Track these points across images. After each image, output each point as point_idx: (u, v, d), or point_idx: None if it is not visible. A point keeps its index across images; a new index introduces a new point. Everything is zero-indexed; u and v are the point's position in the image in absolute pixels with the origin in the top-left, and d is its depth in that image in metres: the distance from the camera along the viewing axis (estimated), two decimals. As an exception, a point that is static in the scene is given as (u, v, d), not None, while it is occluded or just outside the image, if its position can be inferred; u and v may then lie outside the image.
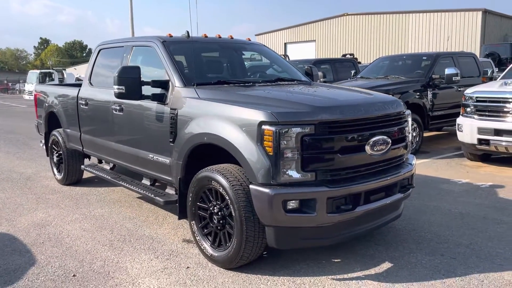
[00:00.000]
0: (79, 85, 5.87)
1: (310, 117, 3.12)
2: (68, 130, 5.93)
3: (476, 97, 7.01)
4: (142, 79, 4.01)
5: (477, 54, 20.65)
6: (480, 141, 6.85)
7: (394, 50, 30.60)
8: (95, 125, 5.30)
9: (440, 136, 10.56)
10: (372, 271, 3.43)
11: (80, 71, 45.80)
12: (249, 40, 5.46)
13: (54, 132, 6.30)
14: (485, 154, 7.35)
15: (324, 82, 7.24)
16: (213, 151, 3.59)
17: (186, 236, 4.22)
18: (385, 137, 3.43)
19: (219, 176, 3.34)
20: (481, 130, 6.81)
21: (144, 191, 4.42)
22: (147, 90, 4.04)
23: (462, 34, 28.33)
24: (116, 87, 3.96)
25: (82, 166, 5.93)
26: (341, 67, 12.40)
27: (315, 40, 36.24)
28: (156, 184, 4.63)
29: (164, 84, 4.05)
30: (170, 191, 4.27)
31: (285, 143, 3.03)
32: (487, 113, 6.84)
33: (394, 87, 7.99)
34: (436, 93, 8.58)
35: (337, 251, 3.77)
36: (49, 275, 3.47)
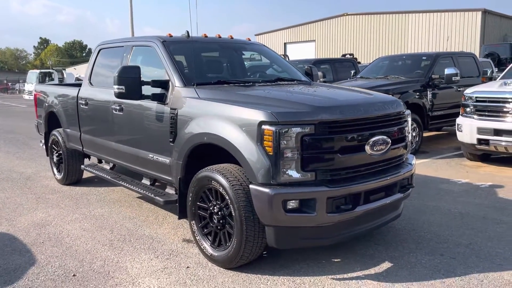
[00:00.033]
0: (79, 85, 5.88)
1: (310, 117, 3.12)
2: (68, 130, 5.93)
3: (476, 97, 7.02)
4: (142, 79, 4.02)
5: (477, 54, 20.68)
6: (480, 141, 6.86)
7: (393, 50, 30.61)
8: (95, 125, 5.30)
9: (440, 136, 10.57)
10: (372, 270, 3.44)
11: (80, 71, 45.81)
12: (249, 40, 5.47)
13: (54, 132, 6.30)
14: (484, 154, 7.35)
15: (324, 82, 7.24)
16: (213, 151, 3.59)
17: (186, 236, 4.22)
18: (385, 137, 3.43)
19: (219, 176, 3.34)
20: (480, 130, 6.82)
21: (144, 191, 4.43)
22: (147, 90, 4.04)
23: (462, 34, 28.35)
24: (116, 87, 3.96)
25: (82, 166, 5.93)
26: (341, 67, 12.40)
27: (315, 40, 36.25)
28: (156, 184, 4.63)
29: (164, 84, 4.06)
30: (170, 191, 4.27)
31: (285, 143, 3.03)
32: (486, 113, 6.85)
33: (394, 87, 8.00)
34: (436, 93, 8.59)
35: (337, 251, 3.77)
36: (49, 274, 3.47)
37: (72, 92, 5.78)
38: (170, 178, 4.07)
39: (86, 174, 6.40)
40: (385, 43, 31.80)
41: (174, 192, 4.16)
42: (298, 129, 3.05)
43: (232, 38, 5.19)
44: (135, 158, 4.53)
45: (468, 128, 7.01)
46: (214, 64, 5.06)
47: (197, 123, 3.63)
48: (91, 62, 5.62)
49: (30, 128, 12.49)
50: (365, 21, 32.99)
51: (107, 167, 5.54)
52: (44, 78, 30.02)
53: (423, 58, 9.49)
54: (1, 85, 51.15)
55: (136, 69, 4.01)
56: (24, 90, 33.25)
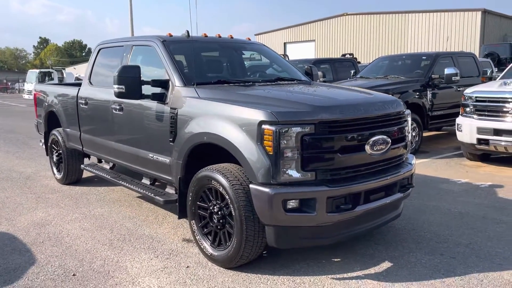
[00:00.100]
0: (79, 85, 5.88)
1: (310, 117, 3.12)
2: (67, 129, 5.92)
3: (476, 97, 7.02)
4: (142, 79, 4.02)
5: (477, 54, 20.69)
6: (480, 141, 6.86)
7: (393, 50, 30.61)
8: (95, 125, 5.30)
9: (440, 136, 10.57)
10: (371, 270, 3.44)
11: (79, 70, 45.76)
12: (249, 39, 5.47)
13: (54, 132, 6.30)
14: (484, 154, 7.36)
15: (324, 82, 7.24)
16: (213, 151, 3.59)
17: (186, 236, 4.22)
18: (384, 136, 3.43)
19: (219, 175, 3.34)
20: (480, 130, 6.82)
21: (144, 191, 4.43)
22: (147, 89, 4.04)
23: (462, 34, 28.35)
24: (116, 86, 3.96)
25: (82, 166, 5.93)
26: (341, 67, 12.41)
27: (314, 40, 36.24)
28: (156, 183, 4.63)
29: (164, 84, 4.06)
30: (170, 190, 4.27)
31: (285, 142, 3.03)
32: (486, 113, 6.85)
33: (394, 87, 8.00)
34: (436, 93, 8.59)
35: (337, 251, 3.77)
36: (49, 274, 3.47)
37: (72, 91, 5.78)
38: (170, 178, 4.07)
39: (86, 174, 6.39)
40: (385, 43, 31.80)
41: (174, 192, 4.16)
42: (298, 129, 3.05)
43: (232, 37, 5.19)
44: (135, 157, 4.53)
45: (468, 128, 7.01)
46: (214, 63, 5.06)
47: (197, 122, 3.63)
48: (91, 61, 5.61)
49: (30, 128, 12.48)
50: (365, 21, 32.99)
51: (107, 166, 5.54)
52: (43, 77, 30.00)
53: (423, 58, 9.49)
54: (1, 85, 51.15)
55: (136, 69, 4.01)
56: (23, 89, 33.24)
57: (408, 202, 5.02)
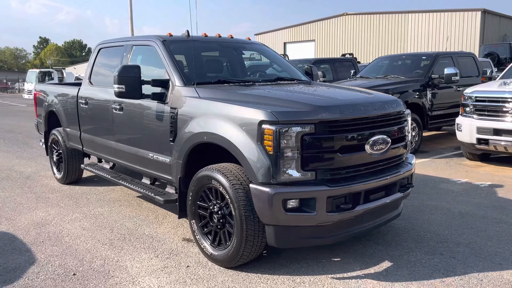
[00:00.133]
0: (79, 84, 5.88)
1: (310, 117, 3.12)
2: (68, 129, 5.93)
3: (475, 97, 7.03)
4: (142, 78, 4.02)
5: (476, 54, 20.69)
6: (479, 140, 6.87)
7: (393, 49, 30.61)
8: (95, 124, 5.30)
9: (439, 135, 10.58)
10: (371, 270, 3.44)
11: (79, 70, 45.74)
12: (249, 39, 5.47)
13: (54, 131, 6.30)
14: (484, 154, 7.36)
15: (324, 81, 7.25)
16: (213, 150, 3.60)
17: (186, 235, 4.22)
18: (384, 136, 3.44)
19: (219, 175, 3.34)
20: (480, 130, 6.83)
21: (144, 190, 4.43)
22: (147, 89, 4.05)
23: (461, 34, 28.34)
24: (116, 86, 3.96)
25: (82, 165, 5.93)
26: (341, 67, 12.41)
27: (314, 40, 36.23)
28: (156, 183, 4.63)
29: (164, 83, 4.06)
30: (170, 190, 4.27)
31: (285, 142, 3.04)
32: (486, 113, 6.86)
33: (394, 87, 8.01)
34: (436, 93, 8.60)
35: (337, 250, 3.77)
36: (49, 274, 3.48)
37: (72, 91, 5.79)
38: (170, 177, 4.07)
39: (86, 174, 6.40)
40: (385, 43, 31.79)
41: (174, 191, 4.16)
42: (298, 129, 3.05)
43: (232, 37, 5.20)
44: (135, 157, 4.53)
45: (467, 128, 7.02)
46: (214, 63, 5.06)
47: (197, 122, 3.63)
48: (91, 61, 5.62)
49: (30, 128, 12.50)
50: (365, 21, 32.98)
51: (107, 166, 5.54)
52: (43, 77, 29.98)
53: (423, 57, 9.50)
54: (1, 85, 51.14)
55: (136, 69, 4.01)
56: (23, 89, 33.22)
57: (408, 201, 5.02)
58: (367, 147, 3.33)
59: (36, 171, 7.18)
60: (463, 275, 3.33)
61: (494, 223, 4.45)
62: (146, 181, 4.66)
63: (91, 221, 4.72)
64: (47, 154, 6.69)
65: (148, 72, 4.33)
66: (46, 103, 6.43)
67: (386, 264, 3.53)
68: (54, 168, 6.49)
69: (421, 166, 7.07)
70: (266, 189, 3.06)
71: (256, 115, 3.15)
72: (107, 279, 3.36)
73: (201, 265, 3.57)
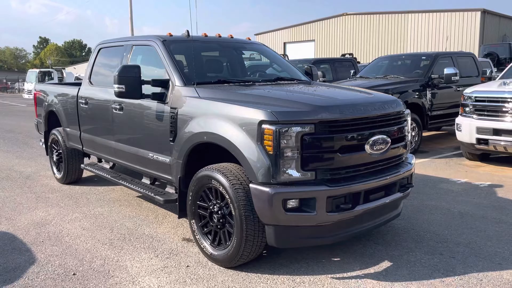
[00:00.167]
0: (79, 84, 5.88)
1: (310, 116, 3.13)
2: (68, 129, 5.93)
3: (475, 97, 7.03)
4: (142, 78, 4.02)
5: (476, 54, 20.69)
6: (479, 140, 6.87)
7: (393, 50, 30.61)
8: (95, 124, 5.30)
9: (439, 135, 10.58)
10: (371, 270, 3.44)
11: (79, 70, 45.74)
12: (249, 39, 5.47)
13: (54, 131, 6.30)
14: (483, 154, 7.37)
15: (324, 81, 7.25)
16: (213, 150, 3.60)
17: (186, 235, 4.23)
18: (384, 136, 3.44)
19: (219, 175, 3.35)
20: (480, 130, 6.83)
21: (144, 190, 4.43)
22: (147, 89, 4.05)
23: (461, 34, 28.34)
24: (116, 86, 3.96)
25: (82, 165, 5.93)
26: (341, 67, 12.41)
27: (314, 40, 36.22)
28: (156, 183, 4.63)
29: (164, 83, 4.06)
30: (170, 190, 4.28)
31: (285, 142, 3.04)
32: (486, 113, 6.86)
33: (393, 87, 8.01)
34: (435, 93, 8.60)
35: (337, 250, 3.78)
36: (49, 273, 3.48)
37: (72, 91, 5.79)
38: (170, 177, 4.07)
39: (85, 173, 6.40)
40: (385, 43, 31.79)
41: (174, 191, 4.16)
42: (298, 129, 3.06)
43: (232, 37, 5.20)
44: (135, 157, 4.53)
45: (467, 128, 7.02)
46: (214, 63, 5.06)
47: (197, 122, 3.63)
48: (91, 61, 5.62)
49: (30, 127, 12.50)
50: (365, 21, 32.98)
51: (107, 166, 5.54)
52: (43, 77, 29.97)
53: (423, 58, 9.50)
54: (1, 84, 51.12)
55: (136, 68, 4.01)
56: (23, 89, 33.21)
57: (407, 201, 5.03)
58: (367, 147, 3.33)
59: (36, 171, 7.18)
60: (462, 275, 3.33)
61: (493, 223, 4.46)
62: (146, 181, 4.67)
63: (91, 221, 4.72)
64: (47, 154, 6.69)
65: (148, 72, 4.34)
66: (46, 103, 6.43)
67: (385, 264, 3.53)
68: (54, 168, 6.50)
69: (420, 166, 7.07)
70: (266, 189, 3.06)
71: (256, 115, 3.15)
72: (107, 279, 3.37)
73: (201, 265, 3.58)
